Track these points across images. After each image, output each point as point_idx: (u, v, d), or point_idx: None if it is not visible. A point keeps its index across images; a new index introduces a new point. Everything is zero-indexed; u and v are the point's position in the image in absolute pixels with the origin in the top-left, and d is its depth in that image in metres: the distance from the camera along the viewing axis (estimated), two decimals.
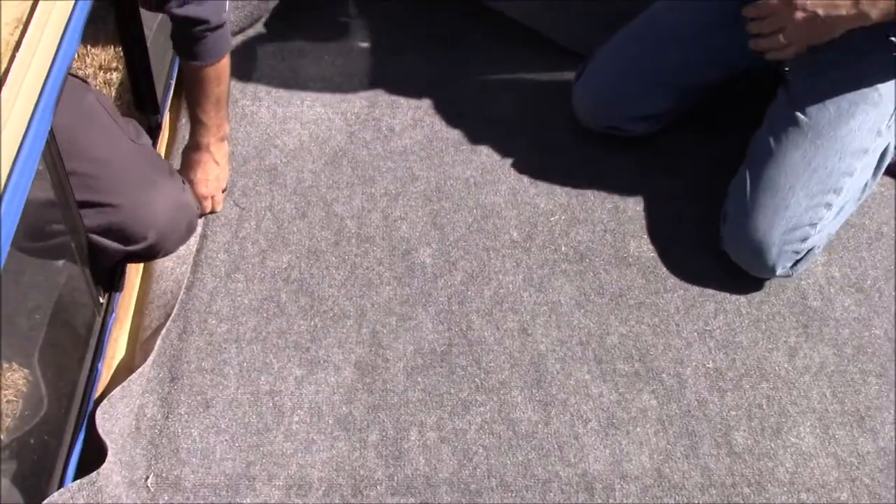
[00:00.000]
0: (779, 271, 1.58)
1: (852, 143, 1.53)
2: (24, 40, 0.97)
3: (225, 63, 1.49)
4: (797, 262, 1.58)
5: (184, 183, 1.51)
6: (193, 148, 1.59)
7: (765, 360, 1.54)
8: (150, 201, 1.39)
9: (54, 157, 1.11)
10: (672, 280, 1.64)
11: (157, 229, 1.41)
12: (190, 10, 1.37)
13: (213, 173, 1.60)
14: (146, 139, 1.50)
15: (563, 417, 1.45)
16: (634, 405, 1.47)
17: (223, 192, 1.67)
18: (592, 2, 1.95)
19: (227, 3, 1.43)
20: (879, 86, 1.50)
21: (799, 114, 1.56)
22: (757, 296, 1.62)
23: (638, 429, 1.44)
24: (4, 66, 0.94)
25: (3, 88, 0.91)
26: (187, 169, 1.61)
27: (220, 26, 1.42)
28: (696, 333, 1.57)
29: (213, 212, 1.66)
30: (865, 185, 1.58)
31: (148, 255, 1.47)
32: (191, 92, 1.53)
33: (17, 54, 0.95)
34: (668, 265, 1.66)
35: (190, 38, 1.42)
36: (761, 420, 1.46)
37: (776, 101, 1.62)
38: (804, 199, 1.52)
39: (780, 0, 1.48)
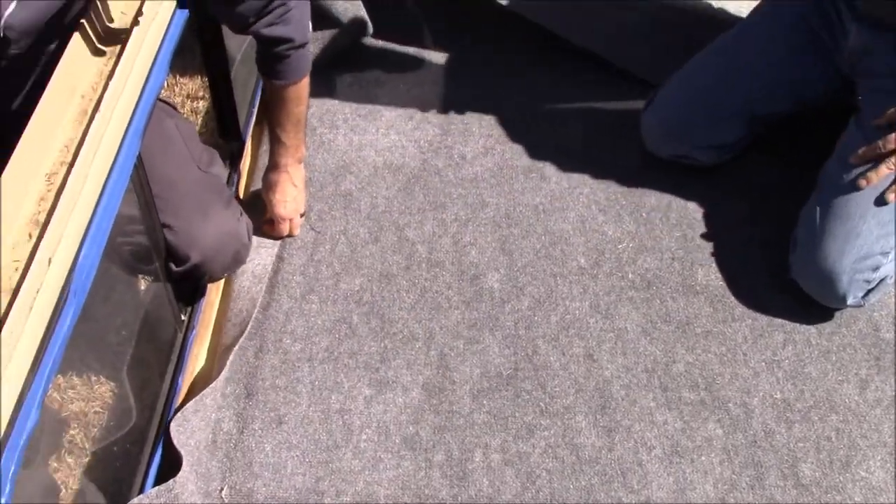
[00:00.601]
0: (850, 301, 1.56)
1: None
2: (117, 70, 1.04)
3: (305, 83, 1.56)
4: (869, 291, 1.56)
5: (241, 215, 1.57)
6: (272, 168, 1.66)
7: (834, 391, 1.52)
8: (199, 226, 1.44)
9: (142, 178, 1.18)
10: (740, 309, 1.63)
11: (201, 252, 1.45)
12: (277, 31, 1.44)
13: (290, 195, 1.67)
14: (218, 169, 1.57)
15: (627, 444, 1.46)
16: (699, 434, 1.47)
17: (301, 216, 1.74)
18: (663, 33, 1.97)
19: (309, 23, 1.49)
20: None
21: (865, 138, 1.54)
22: (827, 326, 1.60)
23: (703, 458, 1.44)
24: (98, 94, 1.02)
25: (97, 115, 0.98)
26: (266, 190, 1.68)
27: (303, 45, 1.49)
28: (763, 363, 1.56)
29: (290, 235, 1.73)
30: None
31: (194, 277, 1.51)
32: (272, 112, 1.61)
33: (110, 83, 1.02)
34: (736, 294, 1.65)
35: (275, 57, 1.49)
36: (830, 453, 1.44)
37: (847, 130, 1.61)
38: (875, 227, 1.51)
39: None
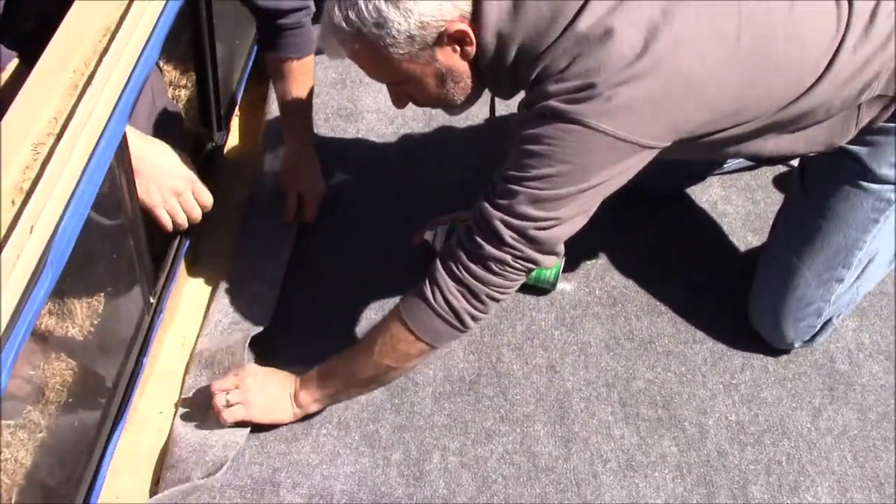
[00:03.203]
0: (797, 345, 1.61)
1: (856, 217, 1.46)
2: (111, 47, 1.05)
3: (309, 60, 1.63)
4: (815, 335, 1.60)
5: None
6: (291, 150, 1.74)
7: (788, 418, 1.55)
8: None
9: (125, 155, 1.19)
10: (701, 333, 1.67)
11: None
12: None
13: (307, 172, 1.75)
14: (173, 131, 1.59)
15: (584, 455, 1.48)
16: (654, 450, 1.50)
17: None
18: None
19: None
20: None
21: (803, 193, 1.53)
22: (784, 355, 1.64)
23: (656, 473, 1.47)
24: (91, 69, 1.02)
25: (89, 89, 0.99)
26: (287, 172, 1.76)
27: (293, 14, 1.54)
28: (721, 386, 1.59)
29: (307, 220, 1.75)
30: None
31: None
32: (281, 90, 1.67)
33: (104, 60, 1.03)
34: (698, 318, 1.69)
35: (272, 29, 1.56)
36: (780, 476, 1.48)
37: (790, 178, 1.62)
38: (812, 278, 1.52)
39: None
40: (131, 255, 1.37)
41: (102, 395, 1.38)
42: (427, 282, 1.29)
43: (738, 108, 1.24)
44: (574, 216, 1.23)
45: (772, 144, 1.35)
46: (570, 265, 1.74)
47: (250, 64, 1.99)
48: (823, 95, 1.27)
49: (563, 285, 1.70)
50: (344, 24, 1.18)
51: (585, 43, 1.13)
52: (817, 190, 1.50)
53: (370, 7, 1.15)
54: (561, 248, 1.26)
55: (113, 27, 1.07)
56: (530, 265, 1.25)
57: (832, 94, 1.28)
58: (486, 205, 1.23)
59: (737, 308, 1.68)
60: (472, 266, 1.25)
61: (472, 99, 1.31)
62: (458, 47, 1.21)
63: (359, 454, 1.45)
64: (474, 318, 1.29)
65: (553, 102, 1.15)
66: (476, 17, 1.18)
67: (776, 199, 1.87)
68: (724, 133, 1.28)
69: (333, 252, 1.74)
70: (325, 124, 1.97)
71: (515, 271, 1.25)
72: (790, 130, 1.33)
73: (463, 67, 1.24)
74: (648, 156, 1.21)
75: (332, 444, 1.46)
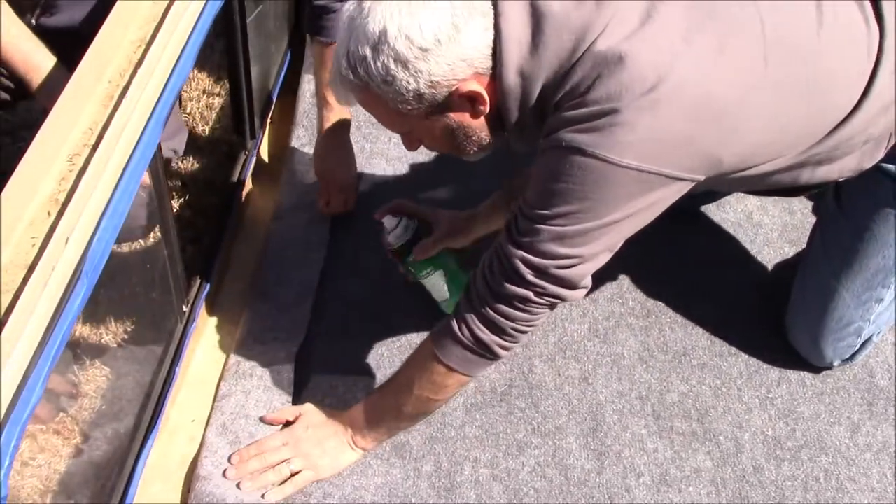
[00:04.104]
0: (836, 364, 1.58)
1: (894, 238, 1.43)
2: (146, 59, 1.05)
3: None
4: (854, 353, 1.57)
5: None
6: (327, 136, 1.72)
7: (826, 433, 1.53)
8: None
9: (159, 166, 1.19)
10: (736, 346, 1.64)
11: None
12: None
13: (346, 161, 1.75)
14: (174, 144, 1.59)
15: (617, 469, 1.46)
16: (689, 464, 1.47)
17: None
18: None
19: None
20: None
21: (839, 211, 1.49)
22: (822, 369, 1.61)
23: (691, 488, 1.44)
24: (126, 80, 1.03)
25: (124, 100, 0.99)
26: (319, 158, 1.75)
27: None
28: (757, 399, 1.56)
29: (346, 210, 1.78)
30: None
31: None
32: (323, 75, 1.64)
33: (139, 71, 1.03)
34: (733, 330, 1.66)
35: (321, 10, 1.56)
36: (817, 493, 1.45)
37: (825, 197, 1.56)
38: (851, 299, 1.49)
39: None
40: (164, 264, 1.38)
41: (135, 402, 1.39)
42: (454, 318, 1.28)
43: (771, 137, 1.20)
44: (598, 253, 1.19)
45: (807, 175, 1.31)
46: (604, 276, 1.72)
47: (283, 72, 2.00)
48: (861, 124, 1.23)
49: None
50: (351, 76, 1.15)
51: (604, 65, 1.07)
52: (854, 209, 1.46)
53: (378, 65, 1.11)
54: (588, 282, 1.23)
55: (148, 38, 1.07)
56: (554, 300, 1.22)
57: (871, 120, 1.24)
58: (507, 243, 1.19)
59: (773, 320, 1.65)
60: (496, 304, 1.22)
61: (485, 149, 1.27)
62: (469, 106, 1.17)
63: (390, 465, 1.44)
64: (504, 349, 1.28)
65: (571, 133, 1.09)
66: (495, 68, 1.13)
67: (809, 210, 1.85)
68: (761, 167, 1.23)
69: (362, 250, 1.73)
70: (357, 131, 1.96)
71: (539, 306, 1.22)
72: (827, 162, 1.29)
73: (475, 123, 1.20)
74: (680, 188, 1.15)
75: (363, 455, 1.45)
